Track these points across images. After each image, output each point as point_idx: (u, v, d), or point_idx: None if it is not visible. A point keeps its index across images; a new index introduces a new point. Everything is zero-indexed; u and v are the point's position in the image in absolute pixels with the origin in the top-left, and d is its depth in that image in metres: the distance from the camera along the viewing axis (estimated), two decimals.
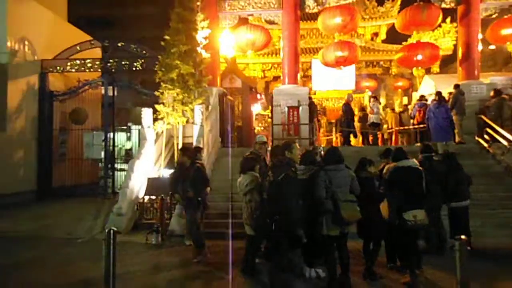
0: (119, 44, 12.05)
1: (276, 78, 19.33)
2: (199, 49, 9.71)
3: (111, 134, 11.69)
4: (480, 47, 11.24)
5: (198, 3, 10.77)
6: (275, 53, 18.41)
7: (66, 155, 12.38)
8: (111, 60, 11.82)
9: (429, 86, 13.66)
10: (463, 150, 9.60)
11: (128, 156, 11.82)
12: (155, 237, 6.94)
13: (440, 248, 6.19)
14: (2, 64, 10.81)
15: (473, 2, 10.86)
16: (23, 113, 11.39)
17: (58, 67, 12.25)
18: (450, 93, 10.23)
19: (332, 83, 17.45)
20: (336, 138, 14.53)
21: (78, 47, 12.29)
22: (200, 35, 9.85)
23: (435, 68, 18.84)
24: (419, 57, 11.21)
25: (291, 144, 4.90)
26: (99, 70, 12.23)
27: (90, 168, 12.71)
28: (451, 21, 16.47)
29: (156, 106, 9.08)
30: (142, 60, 11.50)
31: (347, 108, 11.78)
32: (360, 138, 12.75)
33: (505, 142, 8.92)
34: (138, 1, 31.62)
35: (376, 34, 21.63)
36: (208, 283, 4.95)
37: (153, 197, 8.14)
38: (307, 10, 11.51)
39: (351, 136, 12.14)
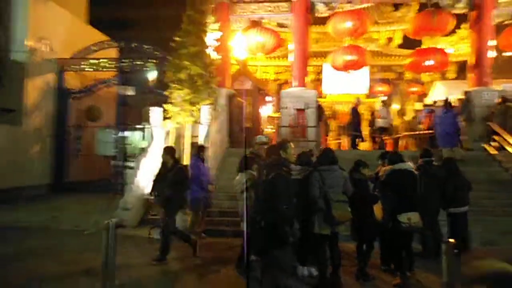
0: (133, 45, 12.42)
1: (288, 81, 19.42)
2: (209, 51, 9.94)
3: (124, 132, 12.04)
4: (493, 53, 11.10)
5: (212, 6, 11.05)
6: (287, 56, 18.50)
7: (80, 151, 12.79)
8: (125, 60, 12.19)
9: (440, 92, 13.55)
10: (470, 157, 9.53)
11: None
12: (157, 232, 7.14)
13: (437, 252, 6.19)
14: (21, 63, 11.29)
15: (486, 8, 10.76)
16: (39, 110, 11.85)
17: (74, 66, 12.70)
18: (460, 100, 10.16)
19: (344, 87, 17.44)
20: (343, 142, 14.56)
21: (94, 47, 12.74)
22: (211, 37, 10.08)
23: (451, 73, 18.62)
24: (429, 63, 11.16)
25: (286, 144, 5.02)
26: (114, 69, 12.63)
27: (103, 165, 13.08)
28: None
29: (165, 105, 9.34)
30: (155, 61, 11.81)
31: (354, 112, 11.82)
32: (369, 142, 12.75)
33: (511, 150, 8.82)
34: (156, 3, 32.31)
35: (391, 39, 21.49)
36: (200, 276, 5.13)
37: None
38: (317, 14, 11.60)
39: (359, 140, 12.15)
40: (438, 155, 8.85)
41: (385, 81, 20.56)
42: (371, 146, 12.55)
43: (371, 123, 12.74)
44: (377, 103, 19.54)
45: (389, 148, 12.78)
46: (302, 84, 11.30)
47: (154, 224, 7.34)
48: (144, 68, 12.14)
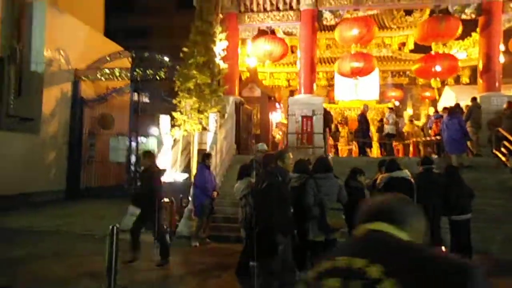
0: (145, 54, 12.80)
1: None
2: (217, 60, 10.18)
3: (136, 139, 12.40)
4: (502, 59, 10.97)
5: (221, 16, 11.32)
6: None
7: (94, 158, 13.22)
8: (137, 69, 12.57)
9: (450, 98, 13.42)
10: (479, 163, 9.43)
11: None
12: None
13: None
14: (39, 73, 11.79)
15: (495, 13, 10.66)
16: (56, 118, 12.33)
17: (89, 76, 13.17)
18: (467, 105, 10.08)
19: (355, 93, 17.44)
20: (355, 148, 14.53)
21: (108, 57, 13.17)
22: (219, 47, 10.33)
23: (465, 78, 18.37)
24: (437, 68, 11.10)
25: (284, 153, 5.13)
26: (127, 78, 13.04)
27: (116, 171, 13.48)
28: None
29: (174, 113, 9.61)
30: (165, 70, 12.14)
31: (362, 118, 11.85)
32: (378, 149, 12.73)
33: None
34: (172, 12, 33.05)
35: (404, 44, 21.35)
36: (202, 281, 5.29)
37: (167, 199, 8.59)
38: (324, 23, 11.72)
39: (368, 146, 12.16)
40: (446, 161, 8.84)
41: (398, 86, 20.43)
42: (381, 153, 12.51)
43: (380, 129, 12.72)
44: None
45: (400, 154, 12.73)
46: (310, 91, 11.42)
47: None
48: (155, 77, 12.48)
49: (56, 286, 4.98)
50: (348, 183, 5.24)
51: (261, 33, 12.25)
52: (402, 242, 1.06)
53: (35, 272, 5.39)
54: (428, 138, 11.62)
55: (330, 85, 19.36)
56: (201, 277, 5.45)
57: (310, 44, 11.52)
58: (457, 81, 17.99)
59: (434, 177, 6.32)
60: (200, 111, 9.63)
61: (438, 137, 10.64)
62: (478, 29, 11.28)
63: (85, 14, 14.96)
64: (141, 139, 12.80)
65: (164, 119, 9.81)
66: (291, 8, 11.71)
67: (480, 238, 6.68)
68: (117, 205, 10.38)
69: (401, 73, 20.02)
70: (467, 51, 16.98)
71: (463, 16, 11.00)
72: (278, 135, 16.92)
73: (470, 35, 16.39)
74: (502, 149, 9.40)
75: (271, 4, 11.81)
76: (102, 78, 13.13)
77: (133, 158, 12.35)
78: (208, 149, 9.22)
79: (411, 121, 14.53)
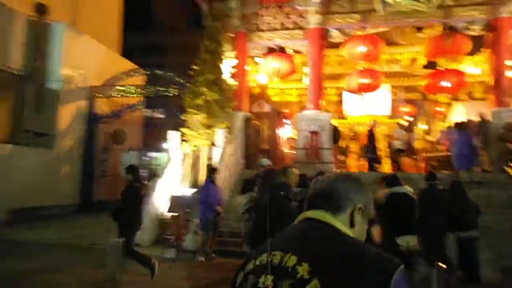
0: (158, 72, 13.21)
1: None
2: (226, 77, 10.45)
3: (147, 153, 12.68)
4: (511, 74, 10.90)
5: (230, 35, 11.65)
6: None
7: (106, 172, 13.53)
8: (149, 86, 12.96)
9: (460, 113, 13.32)
10: (489, 179, 9.29)
11: None
12: (170, 252, 7.48)
13: (446, 280, 6.09)
14: (56, 91, 12.28)
15: (502, 29, 10.65)
16: (70, 133, 12.76)
17: (104, 93, 13.61)
18: (477, 121, 10.01)
19: (365, 108, 17.44)
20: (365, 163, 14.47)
21: (122, 75, 13.63)
22: (228, 65, 10.62)
23: (478, 93, 18.20)
24: (445, 84, 11.09)
25: (287, 169, 5.22)
26: (140, 95, 13.44)
27: None
28: None
29: (182, 129, 9.84)
30: (176, 87, 12.48)
31: (370, 134, 11.86)
32: (388, 164, 12.67)
33: None
34: (188, 30, 33.90)
35: (415, 59, 21.34)
36: None
37: (175, 214, 8.74)
38: (332, 40, 11.90)
39: (376, 161, 12.11)
40: (454, 177, 8.74)
41: (410, 101, 20.36)
42: (390, 168, 12.43)
43: (390, 145, 12.68)
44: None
45: (407, 169, 12.61)
46: (317, 107, 11.53)
47: (167, 244, 7.70)
48: (167, 94, 12.83)
49: None
50: None
51: (270, 50, 12.50)
52: (331, 235, 1.05)
53: (44, 283, 5.56)
54: (439, 154, 11.52)
55: (339, 101, 19.40)
56: None
57: (317, 62, 11.68)
58: (471, 96, 17.84)
59: (438, 193, 6.29)
60: (208, 127, 9.86)
61: (448, 153, 10.55)
62: (486, 45, 11.26)
63: (102, 33, 15.61)
64: (153, 154, 13.07)
65: (173, 135, 10.03)
66: (299, 27, 11.96)
67: (490, 255, 6.58)
68: None
69: (413, 88, 19.94)
70: (479, 67, 16.88)
71: (471, 33, 11.03)
72: (288, 150, 16.99)
73: (480, 51, 16.35)
74: (511, 164, 9.28)
75: (280, 23, 12.09)
76: (116, 95, 13.56)
77: (144, 173, 12.61)
78: (215, 164, 9.37)
79: (423, 136, 14.43)
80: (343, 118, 19.00)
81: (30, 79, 11.77)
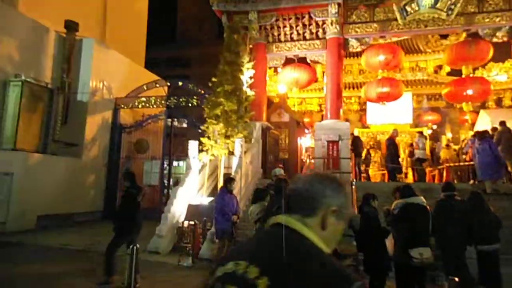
0: (179, 83, 13.57)
1: None
2: (244, 88, 10.62)
3: (169, 162, 12.99)
4: None
5: (250, 46, 11.86)
6: None
7: None
8: (171, 97, 13.33)
9: (485, 121, 12.92)
10: None
11: None
12: (186, 260, 7.62)
13: None
14: (84, 102, 12.85)
15: None
16: (97, 143, 13.26)
17: (128, 104, 14.10)
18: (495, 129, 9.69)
19: (388, 117, 17.21)
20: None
21: (145, 87, 14.08)
22: (246, 75, 10.80)
23: (507, 101, 17.61)
24: (469, 92, 10.82)
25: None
26: (162, 106, 13.83)
27: (150, 194, 14.08)
28: None
29: (202, 139, 10.06)
30: (197, 97, 12.78)
31: (390, 143, 11.69)
32: (410, 174, 12.43)
33: None
34: (211, 42, 34.63)
35: (440, 67, 20.90)
36: None
37: (192, 222, 8.90)
38: (350, 49, 11.89)
39: (397, 171, 11.91)
40: (478, 188, 8.45)
41: (434, 109, 19.89)
42: (412, 178, 12.19)
43: (411, 154, 12.45)
44: (424, 132, 18.91)
45: (436, 180, 12.31)
46: (336, 116, 11.50)
47: (184, 252, 7.85)
48: (188, 105, 13.15)
49: None
50: (362, 208, 5.25)
51: (289, 60, 12.62)
52: (294, 246, 1.02)
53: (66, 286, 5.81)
54: (462, 163, 11.21)
55: (362, 110, 19.24)
56: None
57: (336, 71, 11.69)
58: (499, 104, 17.28)
59: (455, 204, 6.11)
60: (227, 136, 10.02)
61: (472, 162, 10.25)
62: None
63: (128, 47, 16.25)
64: (174, 163, 13.38)
65: (192, 144, 10.26)
66: (317, 37, 12.05)
67: None
68: (147, 226, 10.81)
69: (437, 96, 19.49)
70: (507, 73, 16.34)
71: (495, 39, 10.75)
72: (308, 159, 16.95)
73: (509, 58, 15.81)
74: None
75: (298, 34, 12.22)
76: (139, 105, 14.01)
77: (165, 181, 12.93)
78: (233, 174, 9.50)
79: (447, 145, 14.08)
80: (366, 127, 18.82)
81: (60, 92, 12.39)
